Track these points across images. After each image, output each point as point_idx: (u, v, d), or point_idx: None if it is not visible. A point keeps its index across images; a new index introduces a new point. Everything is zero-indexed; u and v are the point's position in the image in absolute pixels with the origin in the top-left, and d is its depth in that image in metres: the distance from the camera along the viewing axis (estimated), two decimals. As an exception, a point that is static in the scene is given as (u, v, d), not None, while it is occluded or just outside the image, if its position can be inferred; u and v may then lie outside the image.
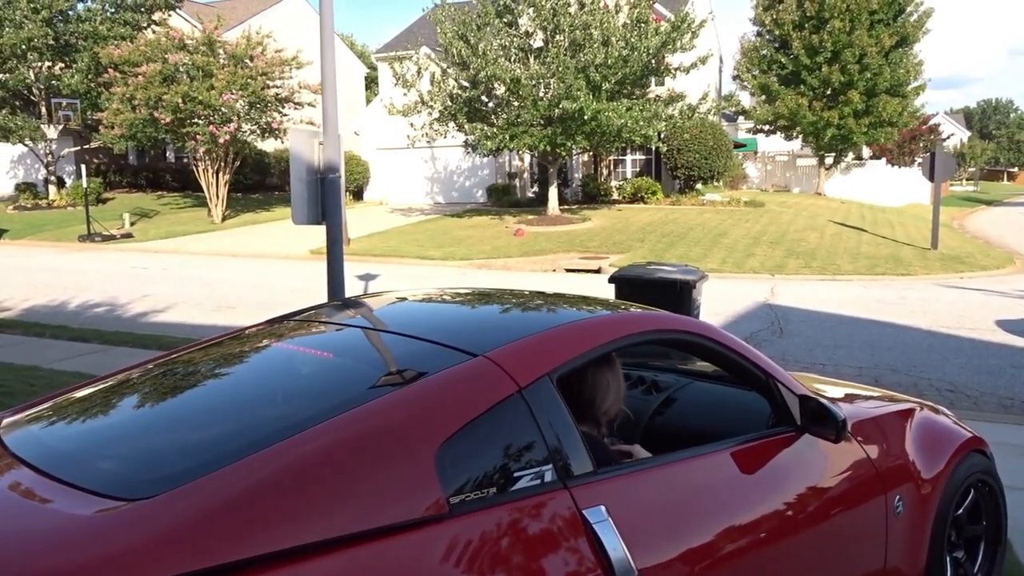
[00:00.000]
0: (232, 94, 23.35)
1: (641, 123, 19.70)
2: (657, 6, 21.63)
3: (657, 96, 21.40)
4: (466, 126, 21.39)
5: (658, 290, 6.58)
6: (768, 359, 2.72)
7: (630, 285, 6.70)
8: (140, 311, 11.76)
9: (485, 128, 20.94)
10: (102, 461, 1.90)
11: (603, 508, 1.90)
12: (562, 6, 20.23)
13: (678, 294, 6.55)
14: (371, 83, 44.97)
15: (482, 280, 15.33)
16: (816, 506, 2.47)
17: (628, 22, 20.28)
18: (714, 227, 20.80)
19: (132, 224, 24.59)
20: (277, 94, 24.70)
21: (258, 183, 34.06)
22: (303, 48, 25.71)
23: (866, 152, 38.01)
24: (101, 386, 2.47)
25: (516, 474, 1.87)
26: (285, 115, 25.13)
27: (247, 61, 24.04)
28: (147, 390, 2.43)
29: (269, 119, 24.61)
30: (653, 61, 20.39)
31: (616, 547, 1.84)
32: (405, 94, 21.90)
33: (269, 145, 30.16)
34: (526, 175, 31.31)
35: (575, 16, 19.93)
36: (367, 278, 14.57)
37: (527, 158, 30.42)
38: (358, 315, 2.85)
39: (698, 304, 6.82)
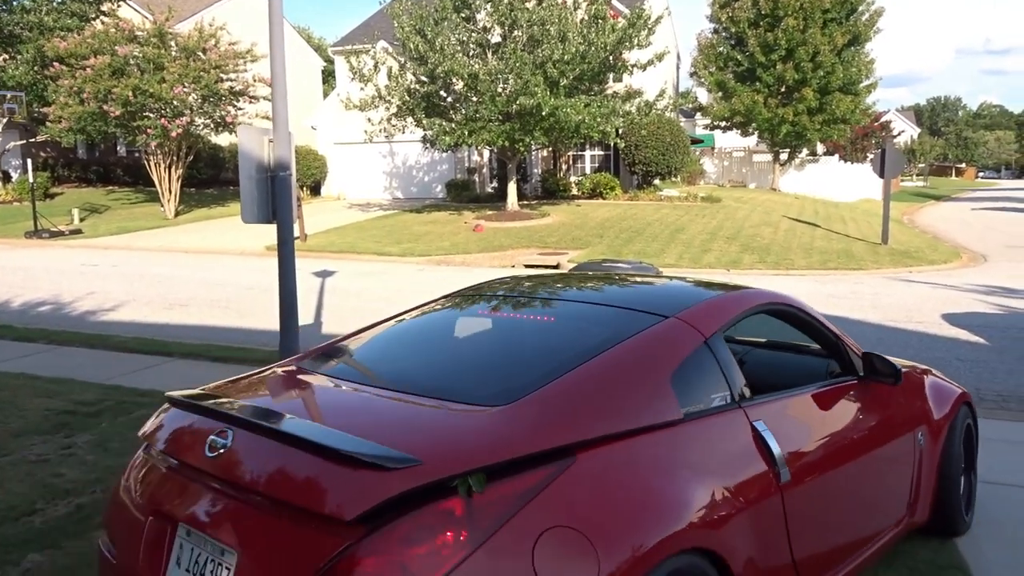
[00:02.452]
0: (184, 87, 22.89)
1: (599, 119, 19.79)
2: (614, 2, 21.73)
3: (615, 92, 21.50)
4: (424, 121, 21.27)
5: (613, 287, 6.61)
6: (836, 327, 3.64)
7: (585, 282, 6.72)
8: (88, 309, 11.48)
9: (443, 123, 20.85)
10: (448, 383, 2.71)
11: (763, 421, 2.80)
12: (519, 2, 20.21)
13: (633, 291, 6.59)
14: (328, 76, 44.45)
15: (440, 276, 15.27)
16: (874, 430, 3.45)
17: (585, 18, 20.34)
18: (672, 223, 21.00)
19: (81, 220, 23.98)
20: (231, 87, 24.29)
21: (212, 178, 33.47)
22: (258, 41, 25.27)
23: (819, 148, 38.70)
24: (386, 328, 3.36)
25: (711, 396, 2.74)
26: (240, 109, 24.72)
27: (200, 54, 23.59)
28: (434, 331, 3.37)
29: (223, 113, 24.19)
30: (611, 57, 20.47)
31: (774, 444, 2.75)
32: (362, 88, 21.69)
33: (224, 139, 29.63)
34: (485, 170, 31.26)
35: (532, 12, 19.92)
36: (323, 275, 14.41)
37: (486, 153, 30.37)
38: (551, 288, 3.73)
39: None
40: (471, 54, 21.08)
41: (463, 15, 21.10)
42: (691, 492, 2.35)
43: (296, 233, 19.60)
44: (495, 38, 21.17)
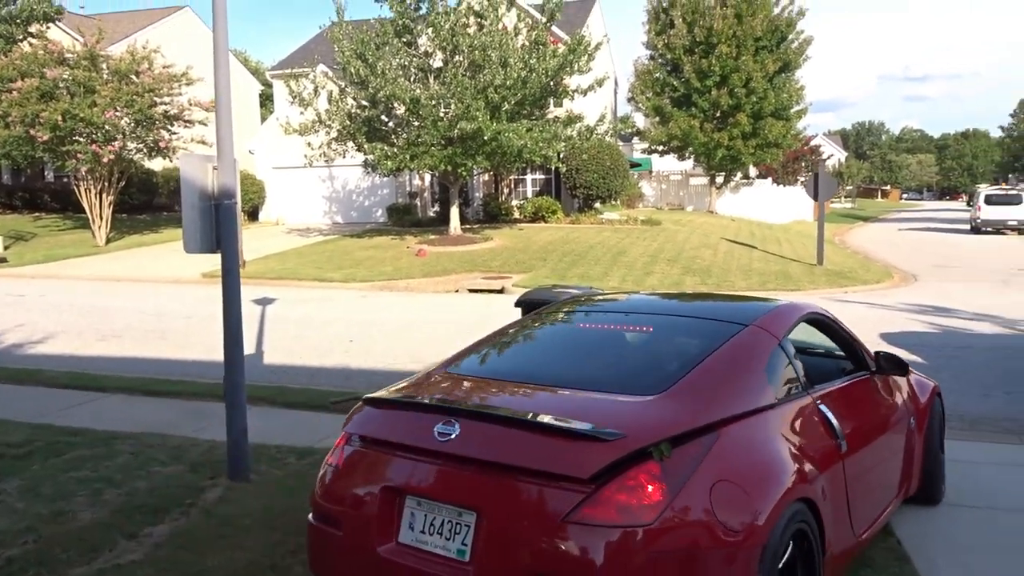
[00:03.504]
0: (116, 111, 22.25)
1: (541, 144, 19.94)
2: (554, 28, 21.98)
3: (556, 117, 21.72)
4: (365, 146, 21.11)
5: (564, 313, 6.59)
6: (854, 334, 4.47)
7: (536, 308, 6.67)
8: (15, 342, 10.95)
9: (385, 148, 20.73)
10: (602, 379, 3.39)
11: (824, 404, 3.60)
12: (460, 27, 20.30)
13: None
14: (266, 100, 43.84)
15: (385, 302, 15.08)
16: (887, 413, 4.34)
17: (526, 44, 20.53)
18: (613, 246, 21.22)
19: (6, 248, 22.98)
20: (166, 111, 23.70)
21: (145, 203, 32.55)
22: (193, 64, 24.81)
23: (752, 171, 39.70)
24: (508, 338, 4.08)
25: (790, 385, 3.51)
26: (174, 133, 24.12)
27: (133, 77, 22.98)
28: (557, 339, 4.15)
29: (157, 137, 23.56)
30: (552, 83, 20.70)
31: (836, 423, 3.56)
32: (302, 112, 21.43)
33: (157, 164, 28.87)
34: (426, 194, 31.16)
35: (474, 37, 20.03)
36: (264, 302, 14.07)
37: (427, 177, 30.29)
38: (630, 304, 4.55)
39: (603, 326, 6.87)
40: (412, 79, 21.06)
41: (404, 40, 21.09)
42: (794, 458, 3.12)
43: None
44: (436, 63, 21.20)
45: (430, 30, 20.62)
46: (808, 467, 3.16)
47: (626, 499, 2.59)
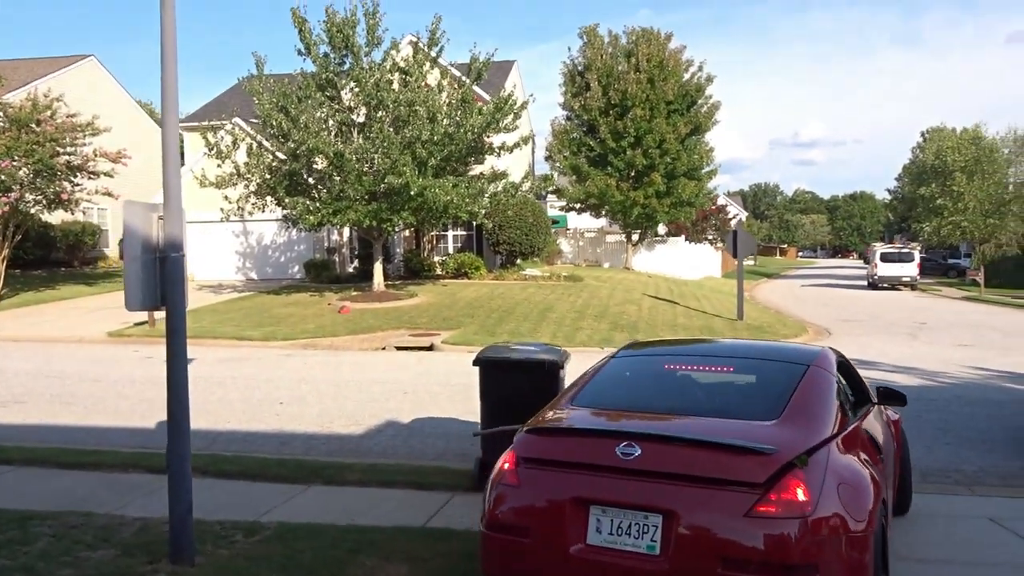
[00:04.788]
0: (14, 161, 20.97)
1: (467, 200, 19.86)
2: (475, 88, 22.17)
3: (481, 174, 21.75)
4: (286, 200, 20.55)
5: (526, 370, 6.35)
6: (861, 375, 5.27)
7: (496, 367, 6.42)
8: None
9: (307, 202, 20.22)
10: (723, 408, 4.29)
11: (866, 427, 4.51)
12: (385, 83, 20.21)
13: (546, 373, 6.36)
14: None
15: (312, 361, 14.44)
16: (888, 436, 5.13)
17: (453, 101, 20.59)
18: (539, 302, 21.17)
19: None
20: (68, 162, 22.49)
21: (41, 258, 30.60)
22: (99, 114, 23.78)
23: (661, 229, 40.71)
24: (609, 376, 4.71)
25: (849, 413, 4.36)
26: (77, 185, 22.89)
27: (33, 126, 21.78)
28: (656, 377, 4.73)
29: (58, 188, 22.28)
30: (477, 140, 20.77)
31: (877, 436, 4.67)
32: (220, 165, 20.73)
33: (56, 217, 27.29)
34: (345, 250, 30.55)
35: (399, 92, 19.95)
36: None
37: (346, 232, 29.74)
38: (711, 349, 5.59)
39: (563, 383, 6.66)
40: (335, 133, 20.74)
41: (327, 94, 20.81)
42: (868, 467, 3.95)
43: (144, 318, 18.16)
44: (360, 118, 20.98)
45: (353, 84, 20.44)
46: (878, 475, 4.03)
47: (789, 497, 3.36)
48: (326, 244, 30.01)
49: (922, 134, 64.70)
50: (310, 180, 21.30)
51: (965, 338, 18.54)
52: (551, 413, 4.30)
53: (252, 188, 21.13)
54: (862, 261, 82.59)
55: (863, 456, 4.01)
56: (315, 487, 6.59)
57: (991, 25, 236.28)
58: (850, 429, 4.10)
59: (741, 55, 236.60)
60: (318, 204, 20.20)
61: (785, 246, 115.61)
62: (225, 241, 30.44)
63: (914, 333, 19.53)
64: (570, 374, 6.67)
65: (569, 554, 3.54)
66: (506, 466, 3.87)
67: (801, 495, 3.36)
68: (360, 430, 9.02)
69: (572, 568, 3.54)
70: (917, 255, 40.79)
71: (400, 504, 6.11)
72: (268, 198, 21.36)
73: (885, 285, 39.72)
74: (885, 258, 40.28)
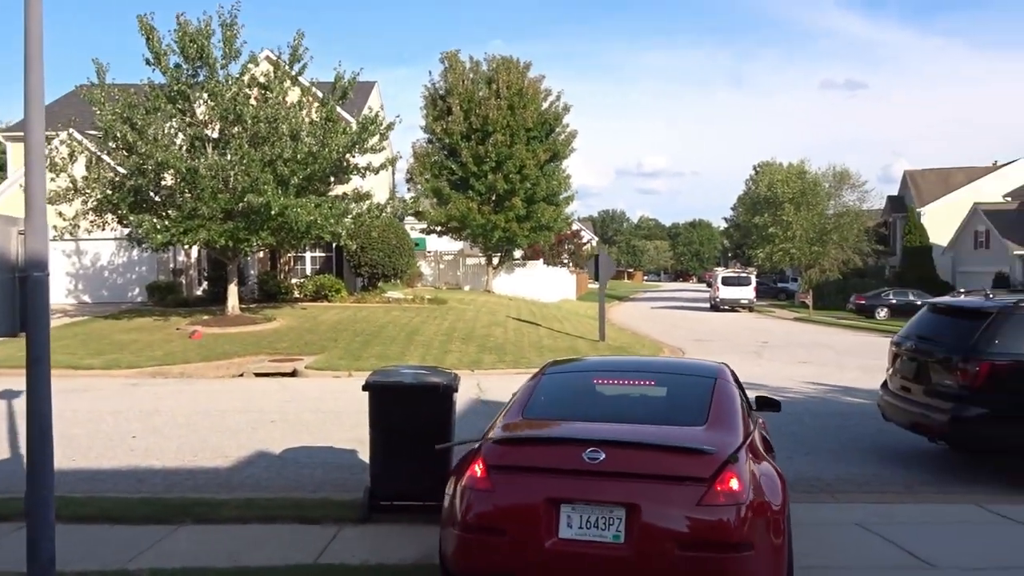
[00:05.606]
0: None
1: (331, 220, 19.31)
2: (338, 109, 21.67)
3: (344, 194, 21.24)
4: (131, 217, 19.15)
5: (420, 394, 6.17)
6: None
7: (389, 391, 6.18)
8: None
9: (155, 220, 18.93)
10: (658, 416, 4.85)
11: (761, 421, 5.49)
12: (243, 97, 19.37)
13: (440, 396, 6.20)
14: (-5, 165, 38.64)
15: (164, 391, 13.44)
16: (765, 436, 5.50)
17: (316, 119, 20.03)
18: (405, 324, 20.86)
19: None
20: None
21: None
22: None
23: (517, 253, 41.39)
24: (548, 391, 5.14)
25: (749, 415, 4.99)
26: None
27: None
28: (589, 391, 5.28)
29: None
30: (341, 159, 20.28)
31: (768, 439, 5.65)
32: (53, 179, 19.04)
33: None
34: (193, 272, 28.89)
35: (259, 108, 19.17)
36: (7, 395, 11.92)
37: (194, 252, 28.14)
38: (627, 364, 6.56)
39: (455, 406, 6.53)
40: (186, 147, 19.61)
41: (179, 106, 19.67)
42: (771, 460, 4.76)
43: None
44: (215, 133, 19.97)
45: (208, 98, 19.44)
46: (778, 466, 4.69)
47: (729, 488, 3.99)
48: (172, 265, 28.26)
49: (754, 167, 69.76)
50: (156, 197, 20.01)
51: (803, 356, 19.98)
52: (508, 425, 4.70)
53: (91, 204, 19.56)
54: (703, 284, 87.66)
55: (765, 454, 4.77)
56: (186, 527, 6.06)
57: (807, 71, 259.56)
58: (754, 431, 4.72)
59: (588, 88, 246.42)
60: (167, 223, 18.98)
61: (632, 270, 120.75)
62: (55, 262, 27.95)
63: (758, 352, 20.83)
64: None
65: (544, 548, 4.00)
66: (478, 473, 4.24)
67: (737, 486, 4.00)
68: (228, 463, 8.44)
69: (547, 560, 4.01)
70: (754, 279, 43.78)
71: (286, 541, 5.72)
72: (109, 216, 19.86)
73: (726, 307, 42.32)
74: (726, 282, 42.95)
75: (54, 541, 4.22)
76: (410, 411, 6.13)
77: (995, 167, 49.17)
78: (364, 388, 6.25)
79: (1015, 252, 36.50)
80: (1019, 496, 7.23)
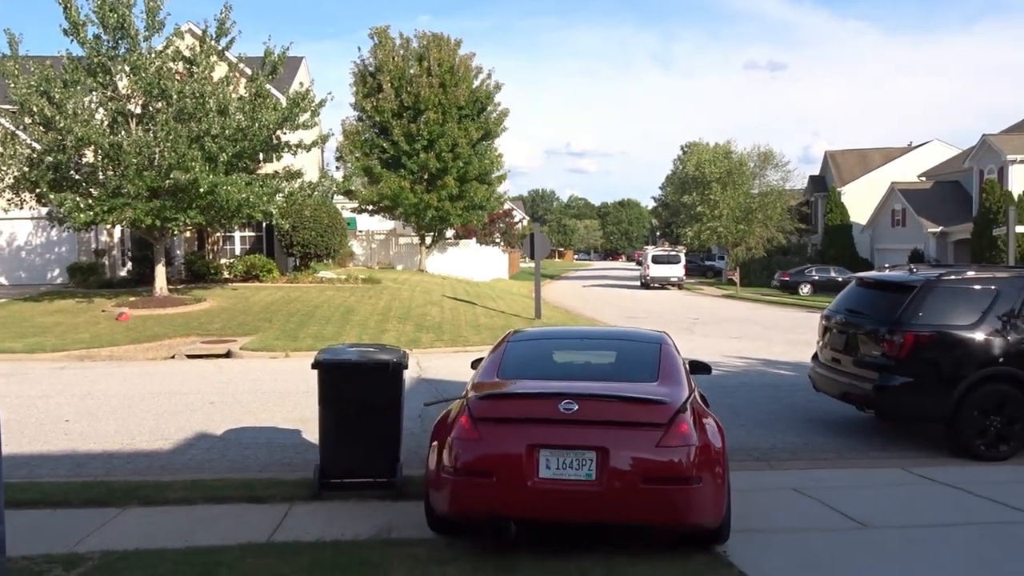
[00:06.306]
0: None
1: (263, 199, 18.88)
2: (267, 85, 21.10)
3: (276, 172, 20.77)
4: (51, 196, 18.34)
5: (371, 371, 6.17)
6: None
7: (340, 369, 6.16)
8: None
9: (77, 199, 18.17)
10: (617, 374, 5.59)
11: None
12: (168, 72, 18.70)
13: (391, 374, 6.22)
14: None
15: (96, 373, 13.01)
16: (701, 391, 5.85)
17: (246, 95, 19.48)
18: (340, 304, 20.63)
19: None
20: None
21: None
22: None
23: (449, 232, 41.23)
24: (518, 356, 5.79)
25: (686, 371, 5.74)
26: None
27: None
28: (553, 355, 5.94)
29: None
30: (272, 136, 19.81)
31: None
32: (-37, 155, 18.07)
33: None
34: (117, 252, 27.86)
35: (184, 83, 18.53)
36: (-75, 381, 11.39)
37: (118, 232, 27.13)
38: (582, 332, 7.57)
39: (404, 382, 6.55)
40: (108, 123, 18.83)
41: (99, 80, 18.85)
42: (713, 415, 5.37)
43: None
44: (138, 108, 19.23)
45: (130, 70, 18.67)
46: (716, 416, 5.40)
47: (682, 432, 4.72)
48: (94, 245, 27.19)
49: (682, 147, 70.98)
50: (77, 175, 19.19)
51: (733, 331, 20.61)
52: (487, 383, 5.32)
53: (8, 182, 18.65)
54: (633, 263, 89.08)
55: (705, 406, 5.48)
56: (132, 510, 5.95)
57: (731, 52, 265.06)
58: (696, 388, 5.48)
59: (517, 66, 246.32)
60: (90, 201, 18.25)
61: (563, 249, 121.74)
62: (-36, 242, 26.66)
63: (690, 328, 21.38)
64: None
65: (526, 487, 4.62)
66: (466, 425, 4.85)
67: (688, 430, 4.74)
68: (168, 445, 8.27)
69: (528, 496, 4.63)
70: (683, 257, 44.73)
71: (237, 520, 5.68)
72: (27, 194, 18.98)
73: (656, 285, 43.15)
74: (656, 260, 43.78)
75: (3, 524, 4.10)
76: (361, 388, 6.13)
77: (910, 148, 51.22)
78: (313, 366, 6.21)
79: (929, 229, 38.23)
80: (941, 459, 7.70)
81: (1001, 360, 7.69)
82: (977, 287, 8.00)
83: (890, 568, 4.90)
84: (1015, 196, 31.76)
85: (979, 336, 7.73)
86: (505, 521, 4.79)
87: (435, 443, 5.07)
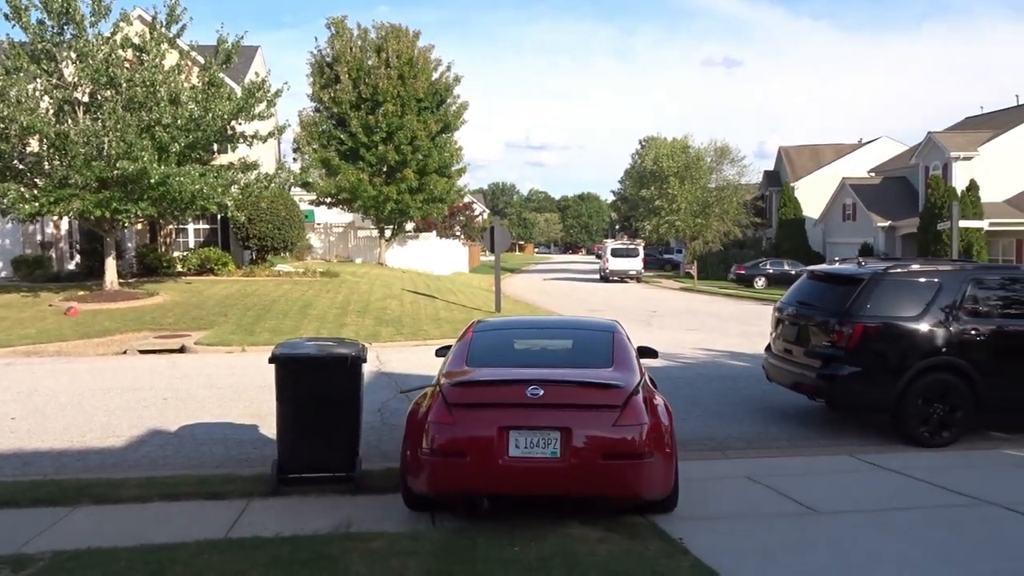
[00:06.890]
0: None
1: (218, 190, 18.56)
2: (221, 75, 20.70)
3: (231, 163, 20.43)
4: (-6, 186, 17.78)
5: (329, 365, 6.13)
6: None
7: (298, 363, 6.11)
8: None
9: (21, 189, 17.66)
10: (574, 361, 6.04)
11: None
12: (116, 59, 18.24)
13: (349, 368, 6.19)
14: None
15: (45, 370, 12.68)
16: (649, 375, 6.18)
17: (199, 84, 19.11)
18: (297, 298, 20.39)
19: None
20: None
21: None
22: None
23: (409, 225, 40.98)
24: (483, 346, 6.22)
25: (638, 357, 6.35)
26: None
27: None
28: (513, 344, 6.40)
29: None
30: (228, 127, 19.46)
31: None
32: (-101, 144, 17.40)
33: None
34: (63, 245, 27.13)
35: (133, 71, 18.10)
36: None
37: (65, 224, 26.43)
38: (542, 323, 8.28)
39: (363, 375, 6.53)
40: (54, 111, 18.32)
41: (44, 67, 18.31)
42: (662, 397, 5.86)
43: None
44: (85, 96, 18.73)
45: (76, 57, 18.16)
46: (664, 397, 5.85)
47: (634, 413, 5.23)
48: (40, 238, 26.47)
49: (640, 142, 71.56)
50: (21, 165, 18.64)
51: (691, 323, 20.89)
52: (457, 372, 5.72)
53: (-52, 172, 18.05)
54: (592, 256, 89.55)
55: (653, 388, 5.89)
56: (83, 508, 5.83)
57: (688, 48, 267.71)
58: (645, 373, 5.92)
59: (476, 59, 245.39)
60: (35, 192, 17.75)
61: (523, 243, 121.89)
62: (-98, 234, 25.73)
63: (648, 320, 21.61)
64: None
65: (497, 465, 5.07)
66: (441, 410, 5.29)
67: (640, 411, 5.26)
68: (120, 442, 8.12)
69: (500, 473, 5.08)
70: (642, 251, 45.13)
71: (193, 517, 5.60)
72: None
73: (615, 278, 43.48)
74: (615, 253, 44.10)
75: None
76: (319, 382, 6.09)
77: (860, 144, 52.30)
78: (271, 360, 6.15)
79: (878, 224, 39.11)
80: (888, 446, 7.93)
81: (944, 350, 7.94)
82: (921, 280, 8.24)
83: (837, 551, 5.04)
84: (958, 192, 32.64)
85: (923, 327, 7.97)
86: (479, 497, 5.19)
87: (410, 428, 5.47)
